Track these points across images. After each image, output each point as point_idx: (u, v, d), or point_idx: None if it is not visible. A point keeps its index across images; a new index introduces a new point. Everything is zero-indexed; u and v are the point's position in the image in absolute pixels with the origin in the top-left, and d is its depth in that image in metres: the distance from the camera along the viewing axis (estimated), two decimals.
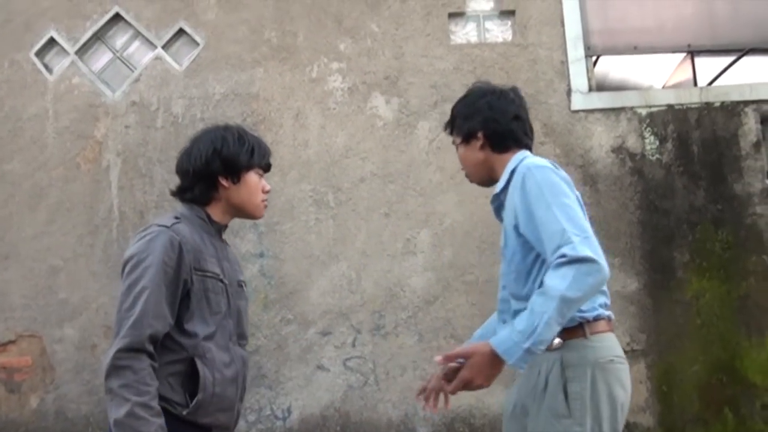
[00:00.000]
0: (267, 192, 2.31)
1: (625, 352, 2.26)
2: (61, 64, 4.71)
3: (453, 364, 2.20)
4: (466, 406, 4.32)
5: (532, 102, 4.21)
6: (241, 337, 2.26)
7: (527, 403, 2.21)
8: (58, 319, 4.44)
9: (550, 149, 4.54)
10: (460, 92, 4.48)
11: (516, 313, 2.14)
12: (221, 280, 2.18)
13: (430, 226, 4.52)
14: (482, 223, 4.50)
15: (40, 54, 4.73)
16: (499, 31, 4.81)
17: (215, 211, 2.25)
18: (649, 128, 4.67)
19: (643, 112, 4.69)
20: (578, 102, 4.67)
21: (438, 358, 2.05)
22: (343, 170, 4.57)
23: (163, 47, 4.69)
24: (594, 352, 2.11)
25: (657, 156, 4.64)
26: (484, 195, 4.48)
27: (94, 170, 4.58)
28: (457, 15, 4.77)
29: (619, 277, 4.39)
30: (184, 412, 2.03)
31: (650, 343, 4.37)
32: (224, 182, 2.22)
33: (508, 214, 2.23)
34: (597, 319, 2.14)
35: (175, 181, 4.34)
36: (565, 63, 4.70)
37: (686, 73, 5.65)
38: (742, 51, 5.13)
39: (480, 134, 2.31)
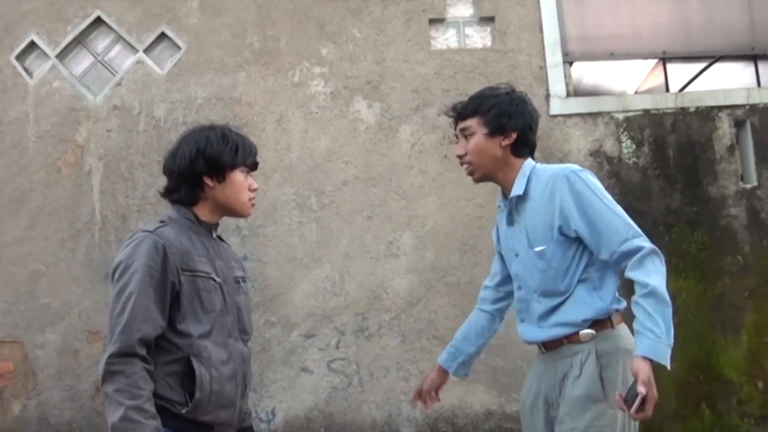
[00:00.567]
0: (254, 190, 2.32)
1: None
2: (41, 68, 4.69)
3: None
4: (449, 406, 4.36)
5: None
6: (243, 332, 2.28)
7: (552, 395, 2.33)
8: (40, 324, 4.41)
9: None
10: (441, 97, 4.63)
11: (550, 310, 2.31)
12: (213, 279, 2.20)
13: (413, 228, 4.56)
14: (464, 226, 4.56)
15: (20, 57, 4.70)
16: (479, 37, 4.88)
17: (203, 211, 2.27)
18: (626, 132, 4.76)
19: (620, 116, 4.78)
20: (557, 107, 4.75)
21: (641, 389, 2.05)
22: (326, 174, 4.60)
23: (145, 51, 4.69)
24: (622, 341, 2.27)
25: (634, 159, 4.74)
26: (465, 198, 4.58)
27: (76, 174, 4.56)
28: (437, 21, 4.83)
29: None
30: (184, 411, 2.06)
31: None
32: (209, 182, 2.23)
33: (540, 215, 2.32)
34: (617, 311, 2.30)
35: (157, 184, 4.36)
36: (543, 68, 4.78)
37: (659, 79, 5.77)
38: (715, 58, 5.27)
39: (513, 134, 2.37)
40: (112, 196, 4.55)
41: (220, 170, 2.23)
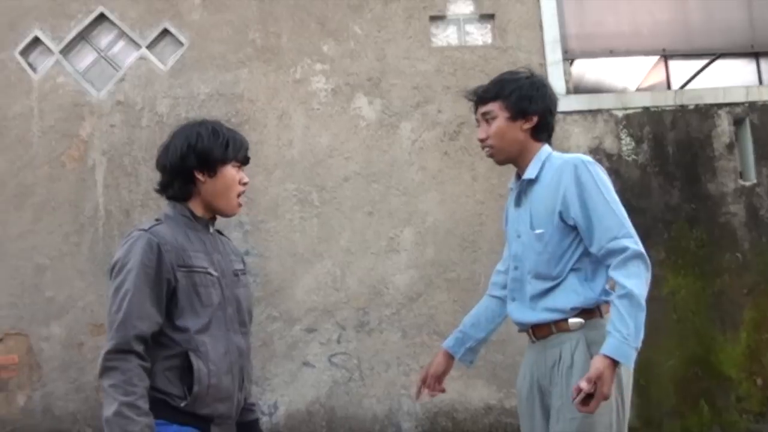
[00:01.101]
0: (245, 184, 2.33)
1: None
2: (45, 63, 4.73)
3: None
4: (449, 400, 4.40)
5: None
6: (242, 324, 2.31)
7: (545, 383, 2.36)
8: (45, 317, 4.46)
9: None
10: (441, 94, 4.65)
11: (541, 293, 2.35)
12: (210, 273, 2.22)
13: (413, 224, 4.60)
14: (463, 222, 4.60)
15: (24, 53, 4.73)
16: (479, 34, 4.91)
17: (197, 206, 2.29)
18: (625, 130, 4.79)
19: (620, 114, 4.81)
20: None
21: (583, 385, 2.10)
22: (327, 170, 4.64)
23: (148, 47, 4.73)
24: None
25: (633, 157, 4.77)
26: (465, 194, 4.62)
27: (80, 169, 4.60)
28: (438, 18, 4.86)
29: None
30: (183, 405, 2.09)
31: None
32: (200, 176, 2.24)
33: (545, 200, 2.35)
34: (606, 302, 2.31)
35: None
36: (543, 66, 4.81)
37: (660, 76, 5.80)
38: (715, 55, 5.29)
39: (535, 118, 2.40)
40: (116, 191, 4.59)
41: (211, 165, 2.24)
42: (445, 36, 4.90)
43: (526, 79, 2.45)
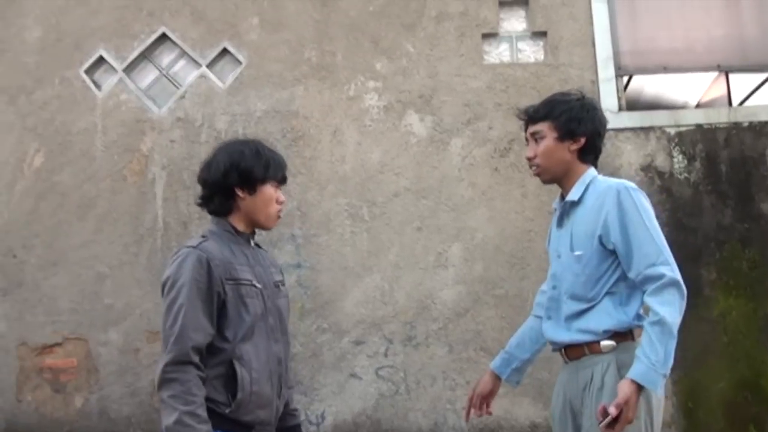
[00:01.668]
0: (281, 203, 2.46)
1: None
2: (109, 81, 4.93)
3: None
4: (495, 417, 4.40)
5: None
6: (284, 332, 2.43)
7: (576, 404, 2.41)
8: (103, 323, 4.64)
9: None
10: (492, 110, 4.71)
11: (575, 314, 2.39)
12: (254, 285, 2.35)
13: (462, 240, 4.65)
14: (512, 239, 4.63)
15: (89, 71, 4.95)
16: (531, 52, 4.94)
17: (238, 222, 2.42)
18: (677, 147, 4.76)
19: (672, 131, 4.78)
20: (608, 121, 4.76)
21: (612, 410, 2.16)
22: (378, 185, 4.72)
23: (208, 66, 4.89)
24: None
25: (685, 175, 4.73)
26: (515, 211, 4.65)
27: (140, 182, 4.78)
28: (490, 36, 4.91)
29: None
30: (227, 411, 2.21)
31: (676, 360, 4.30)
32: (240, 193, 2.37)
33: (586, 223, 2.41)
34: (639, 327, 2.34)
35: None
36: (595, 83, 4.81)
37: (720, 90, 5.73)
38: None
39: (582, 139, 2.46)
40: (174, 204, 4.75)
41: (251, 183, 2.38)
42: (498, 53, 4.95)
43: (577, 101, 2.52)
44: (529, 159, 2.54)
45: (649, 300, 2.24)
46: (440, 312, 4.57)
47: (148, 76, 4.98)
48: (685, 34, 5.04)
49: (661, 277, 2.23)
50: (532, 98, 4.56)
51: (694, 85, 6.29)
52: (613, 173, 4.63)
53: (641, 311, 2.37)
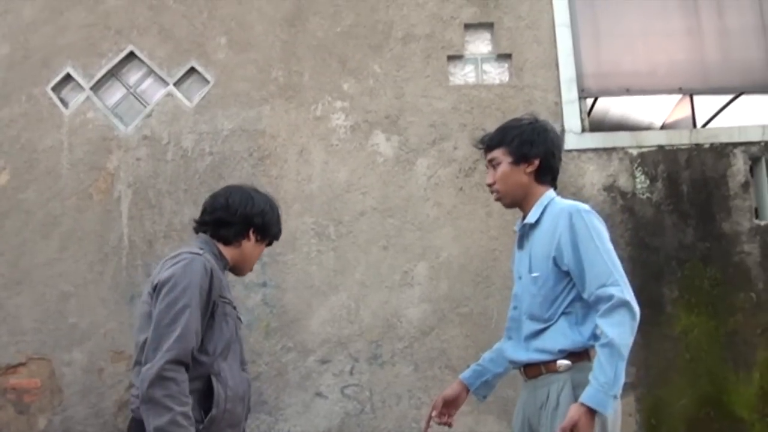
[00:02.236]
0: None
1: None
2: (76, 99, 4.93)
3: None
4: None
5: None
6: (243, 362, 2.46)
7: (534, 422, 2.45)
8: (68, 343, 4.60)
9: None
10: (457, 131, 4.76)
11: (533, 334, 2.45)
12: (234, 308, 2.43)
13: (427, 259, 4.68)
14: (477, 258, 4.67)
15: (56, 89, 4.94)
16: (496, 73, 5.01)
17: (229, 252, 2.51)
18: (640, 168, 4.84)
19: (635, 152, 4.86)
20: (571, 142, 4.84)
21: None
22: (345, 204, 4.75)
23: (175, 84, 4.91)
24: None
25: (647, 195, 4.81)
26: (479, 230, 4.69)
27: (106, 200, 4.77)
28: (456, 57, 4.98)
29: None
30: (200, 428, 2.20)
31: (639, 377, 4.50)
32: (253, 236, 2.52)
33: (542, 245, 2.47)
34: (594, 346, 2.39)
35: (182, 212, 4.55)
36: (559, 104, 4.89)
37: (684, 112, 5.84)
38: (731, 93, 5.32)
39: (536, 161, 2.54)
40: (140, 222, 4.74)
41: (265, 234, 2.57)
42: (463, 75, 5.01)
43: (528, 125, 2.60)
44: (489, 185, 2.63)
45: (600, 321, 2.28)
46: (406, 330, 4.59)
47: (115, 94, 4.98)
48: (648, 57, 5.15)
49: (610, 298, 2.28)
50: (497, 119, 4.64)
51: (659, 107, 6.40)
52: (576, 193, 4.71)
53: (597, 331, 2.40)
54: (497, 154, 2.58)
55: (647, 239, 4.71)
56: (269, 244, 2.64)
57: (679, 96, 5.82)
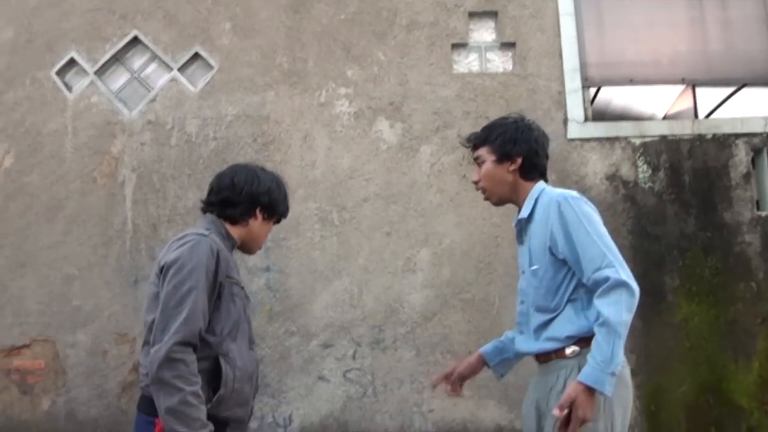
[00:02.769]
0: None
1: None
2: (80, 84, 4.94)
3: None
4: (460, 420, 4.47)
5: None
6: (251, 341, 2.48)
7: (542, 404, 2.47)
8: (71, 325, 4.62)
9: (547, 175, 4.73)
10: (461, 119, 4.77)
11: (542, 325, 2.47)
12: (242, 288, 2.44)
13: (430, 245, 4.70)
14: (480, 244, 4.69)
15: (60, 73, 4.95)
16: (500, 62, 5.03)
17: (237, 232, 2.52)
18: (642, 157, 4.86)
19: (637, 142, 4.88)
20: (574, 131, 4.86)
21: (555, 412, 2.23)
22: (348, 190, 4.77)
23: (179, 70, 4.92)
24: None
25: (649, 184, 4.83)
26: (482, 217, 4.71)
27: (110, 184, 4.79)
28: (459, 45, 4.99)
29: None
30: (208, 406, 2.22)
31: (640, 364, 4.53)
32: (260, 214, 2.52)
33: (538, 237, 2.50)
34: None
35: (186, 196, 4.57)
36: (562, 93, 4.91)
37: (687, 103, 5.85)
38: (734, 84, 5.34)
39: (519, 159, 2.57)
40: (144, 206, 4.76)
41: (271, 213, 2.56)
42: (467, 63, 5.02)
43: (512, 123, 2.63)
44: (475, 183, 2.66)
45: (596, 302, 2.30)
46: (408, 316, 4.62)
47: (119, 78, 5.00)
48: (651, 47, 5.16)
49: (606, 279, 2.29)
50: (501, 107, 4.68)
51: (662, 97, 6.40)
52: (579, 182, 4.73)
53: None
54: (482, 152, 2.62)
55: (649, 228, 4.74)
56: (277, 221, 2.64)
57: (682, 87, 5.83)
